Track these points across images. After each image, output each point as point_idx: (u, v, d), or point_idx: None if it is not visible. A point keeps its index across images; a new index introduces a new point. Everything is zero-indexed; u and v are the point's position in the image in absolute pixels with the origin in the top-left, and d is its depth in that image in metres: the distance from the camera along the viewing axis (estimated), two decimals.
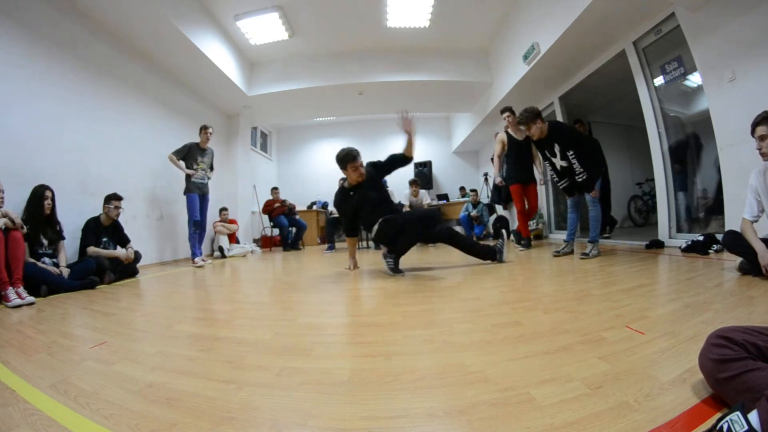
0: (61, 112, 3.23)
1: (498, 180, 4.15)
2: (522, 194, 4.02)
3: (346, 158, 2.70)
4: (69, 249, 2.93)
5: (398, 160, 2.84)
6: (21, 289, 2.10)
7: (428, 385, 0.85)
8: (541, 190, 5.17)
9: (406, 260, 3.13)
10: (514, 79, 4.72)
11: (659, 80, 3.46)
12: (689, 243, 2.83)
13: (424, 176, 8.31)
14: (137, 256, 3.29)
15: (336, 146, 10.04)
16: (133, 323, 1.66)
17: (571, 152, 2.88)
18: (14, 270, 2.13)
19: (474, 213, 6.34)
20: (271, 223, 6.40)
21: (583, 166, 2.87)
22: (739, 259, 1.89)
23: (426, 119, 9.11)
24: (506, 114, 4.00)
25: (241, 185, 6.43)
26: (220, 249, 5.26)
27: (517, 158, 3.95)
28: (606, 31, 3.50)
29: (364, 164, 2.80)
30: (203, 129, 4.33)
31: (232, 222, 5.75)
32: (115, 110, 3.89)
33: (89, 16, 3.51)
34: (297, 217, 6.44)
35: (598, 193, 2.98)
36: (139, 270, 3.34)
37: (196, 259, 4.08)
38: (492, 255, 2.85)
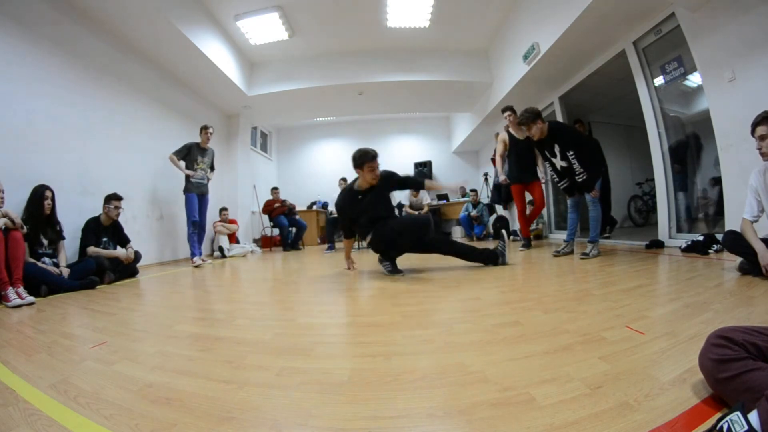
0: (61, 112, 3.23)
1: (502, 178, 4.11)
2: (522, 194, 4.02)
3: (365, 157, 2.56)
4: (69, 249, 2.93)
5: (412, 184, 2.81)
6: (21, 289, 2.10)
7: (428, 385, 0.85)
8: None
9: (407, 260, 3.13)
10: (514, 79, 4.72)
11: (659, 80, 3.46)
12: (689, 243, 2.83)
13: (424, 176, 8.31)
14: (137, 256, 3.29)
15: (336, 146, 10.01)
16: (133, 323, 1.66)
17: (571, 152, 2.88)
18: (14, 270, 2.13)
19: (474, 213, 6.34)
20: (271, 223, 6.40)
21: (583, 166, 2.87)
22: (739, 259, 1.90)
23: (426, 119, 9.12)
24: (507, 113, 4.00)
25: (241, 185, 6.43)
26: (220, 249, 5.26)
27: (518, 157, 3.95)
28: (606, 31, 3.50)
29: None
30: (204, 129, 4.34)
31: (232, 222, 5.75)
32: (115, 110, 3.89)
33: (89, 16, 3.51)
34: (297, 217, 6.44)
35: (598, 193, 2.98)
36: (139, 270, 3.34)
37: (195, 259, 4.08)
38: (493, 259, 2.72)
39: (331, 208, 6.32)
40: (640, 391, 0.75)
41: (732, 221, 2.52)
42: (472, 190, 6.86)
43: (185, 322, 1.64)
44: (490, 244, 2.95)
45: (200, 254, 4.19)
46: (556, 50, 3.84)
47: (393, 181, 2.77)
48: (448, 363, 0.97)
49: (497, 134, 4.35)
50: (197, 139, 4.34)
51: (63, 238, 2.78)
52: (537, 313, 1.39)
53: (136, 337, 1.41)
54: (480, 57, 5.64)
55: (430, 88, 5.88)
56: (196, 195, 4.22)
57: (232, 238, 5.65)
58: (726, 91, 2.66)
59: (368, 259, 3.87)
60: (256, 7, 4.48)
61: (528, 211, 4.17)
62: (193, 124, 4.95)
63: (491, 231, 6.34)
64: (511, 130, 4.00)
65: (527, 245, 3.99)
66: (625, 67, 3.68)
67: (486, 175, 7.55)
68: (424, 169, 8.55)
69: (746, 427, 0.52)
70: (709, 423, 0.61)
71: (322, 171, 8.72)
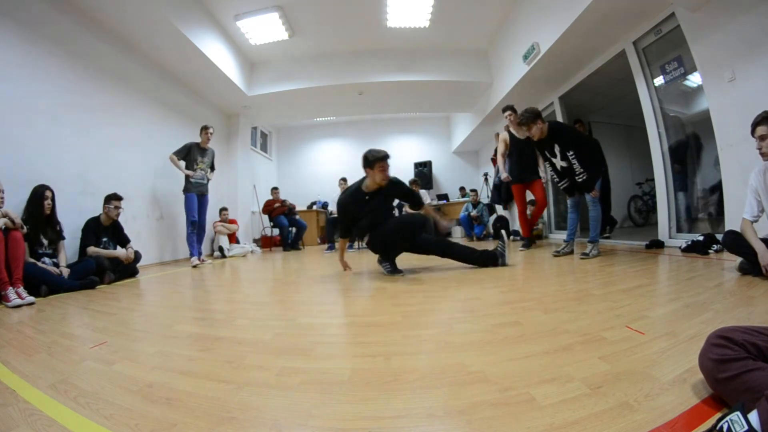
0: (61, 112, 3.23)
1: (504, 176, 4.09)
2: (524, 194, 4.02)
3: (377, 156, 2.54)
4: (69, 249, 2.93)
5: (415, 200, 2.85)
6: (21, 289, 2.10)
7: (428, 385, 0.85)
8: None
9: (407, 261, 3.13)
10: (514, 79, 4.72)
11: (659, 80, 3.46)
12: (689, 243, 2.83)
13: (424, 176, 8.32)
14: (137, 256, 3.29)
15: (336, 146, 9.99)
16: (133, 323, 1.66)
17: (571, 152, 2.88)
18: (14, 270, 2.13)
19: (474, 213, 6.34)
20: (271, 223, 6.40)
21: (583, 166, 2.87)
22: (739, 259, 1.89)
23: (426, 119, 9.12)
24: (508, 112, 4.00)
25: (241, 185, 6.43)
26: (220, 249, 5.26)
27: (519, 156, 3.95)
28: (606, 31, 3.50)
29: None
30: (204, 129, 4.34)
31: (232, 222, 5.75)
32: (115, 110, 3.89)
33: (89, 16, 3.51)
34: (297, 217, 6.44)
35: (598, 193, 2.98)
36: (139, 270, 3.34)
37: (192, 259, 4.09)
38: (493, 260, 2.68)
39: (332, 208, 6.31)
40: (640, 391, 0.75)
41: (732, 221, 2.52)
42: (472, 190, 6.87)
43: (185, 322, 1.64)
44: (490, 245, 2.94)
45: (198, 255, 4.19)
46: (556, 50, 3.84)
47: (400, 189, 2.78)
48: (448, 363, 0.97)
49: (497, 134, 4.35)
50: (197, 139, 4.35)
51: (63, 238, 2.78)
52: (537, 313, 1.39)
53: (136, 337, 1.41)
54: (480, 57, 5.64)
55: (430, 88, 5.88)
56: (195, 195, 4.21)
57: (232, 238, 5.65)
58: (726, 91, 2.66)
59: (368, 259, 3.87)
60: (256, 7, 4.48)
61: (529, 212, 4.17)
62: (193, 124, 4.95)
63: (491, 231, 6.34)
64: (511, 129, 4.00)
65: (527, 245, 3.99)
66: (625, 67, 3.68)
67: (486, 175, 7.55)
68: (424, 169, 8.55)
69: (746, 427, 0.52)
70: (709, 423, 0.61)
71: (322, 171, 8.72)
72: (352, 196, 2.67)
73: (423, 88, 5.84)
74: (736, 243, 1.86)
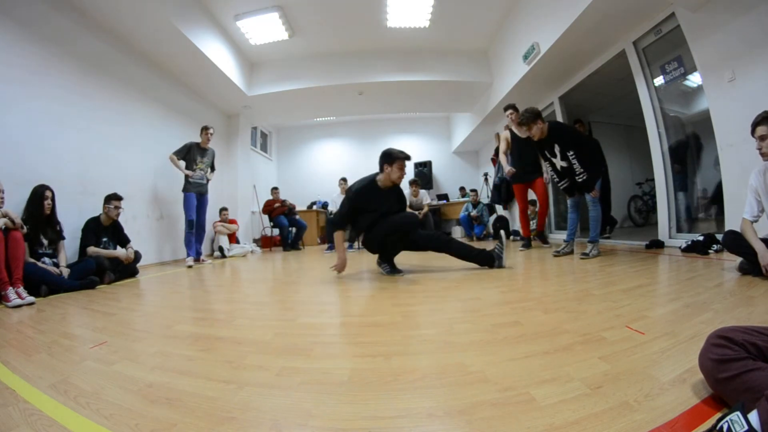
0: (60, 112, 3.23)
1: (508, 169, 4.02)
2: (525, 194, 4.02)
3: (399, 155, 2.58)
4: (69, 249, 2.93)
5: (404, 206, 2.87)
6: (21, 289, 2.10)
7: (428, 385, 0.85)
8: None
9: (407, 261, 3.14)
10: (514, 79, 4.72)
11: (659, 80, 3.46)
12: (689, 243, 2.83)
13: (424, 176, 8.31)
14: (137, 256, 3.29)
15: (336, 146, 9.97)
16: (133, 323, 1.66)
17: (572, 152, 2.88)
18: (14, 270, 2.13)
19: (474, 213, 6.34)
20: (271, 223, 6.40)
21: (583, 166, 2.87)
22: (739, 259, 1.90)
23: (426, 119, 9.12)
24: (509, 111, 4.00)
25: (241, 185, 6.43)
26: (220, 249, 5.26)
27: (521, 155, 3.94)
28: (606, 31, 3.50)
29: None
30: (204, 129, 4.34)
31: (232, 222, 5.75)
32: (115, 110, 3.89)
33: (89, 16, 3.51)
34: (297, 217, 6.44)
35: (598, 193, 2.98)
36: (139, 270, 3.34)
37: (187, 259, 4.09)
38: (489, 261, 2.64)
39: (332, 208, 6.31)
40: (640, 391, 0.75)
41: (732, 221, 2.52)
42: (472, 190, 6.87)
43: (185, 322, 1.64)
44: (490, 245, 2.94)
45: (194, 255, 4.18)
46: (556, 50, 3.84)
47: (401, 193, 2.85)
48: (448, 363, 0.97)
49: (497, 134, 4.35)
50: (197, 139, 4.35)
51: (63, 238, 2.78)
52: (537, 313, 1.39)
53: (136, 337, 1.41)
54: (480, 57, 5.64)
55: (430, 88, 5.88)
56: (194, 195, 4.21)
57: (232, 238, 5.65)
58: (726, 91, 2.66)
59: (368, 259, 3.87)
60: (256, 7, 4.48)
61: (529, 212, 4.17)
62: (193, 124, 4.96)
63: (491, 231, 6.34)
64: (512, 128, 4.01)
65: (527, 245, 4.00)
66: (625, 67, 3.68)
67: (486, 175, 7.55)
68: (424, 169, 8.55)
69: (746, 427, 0.52)
70: (709, 423, 0.61)
71: (322, 171, 8.72)
72: (367, 187, 2.66)
73: (423, 88, 5.84)
74: (736, 243, 1.86)
